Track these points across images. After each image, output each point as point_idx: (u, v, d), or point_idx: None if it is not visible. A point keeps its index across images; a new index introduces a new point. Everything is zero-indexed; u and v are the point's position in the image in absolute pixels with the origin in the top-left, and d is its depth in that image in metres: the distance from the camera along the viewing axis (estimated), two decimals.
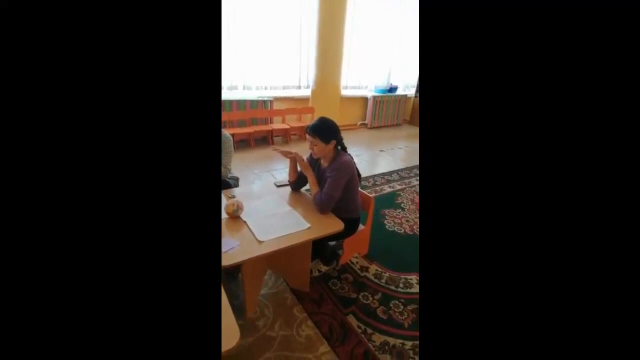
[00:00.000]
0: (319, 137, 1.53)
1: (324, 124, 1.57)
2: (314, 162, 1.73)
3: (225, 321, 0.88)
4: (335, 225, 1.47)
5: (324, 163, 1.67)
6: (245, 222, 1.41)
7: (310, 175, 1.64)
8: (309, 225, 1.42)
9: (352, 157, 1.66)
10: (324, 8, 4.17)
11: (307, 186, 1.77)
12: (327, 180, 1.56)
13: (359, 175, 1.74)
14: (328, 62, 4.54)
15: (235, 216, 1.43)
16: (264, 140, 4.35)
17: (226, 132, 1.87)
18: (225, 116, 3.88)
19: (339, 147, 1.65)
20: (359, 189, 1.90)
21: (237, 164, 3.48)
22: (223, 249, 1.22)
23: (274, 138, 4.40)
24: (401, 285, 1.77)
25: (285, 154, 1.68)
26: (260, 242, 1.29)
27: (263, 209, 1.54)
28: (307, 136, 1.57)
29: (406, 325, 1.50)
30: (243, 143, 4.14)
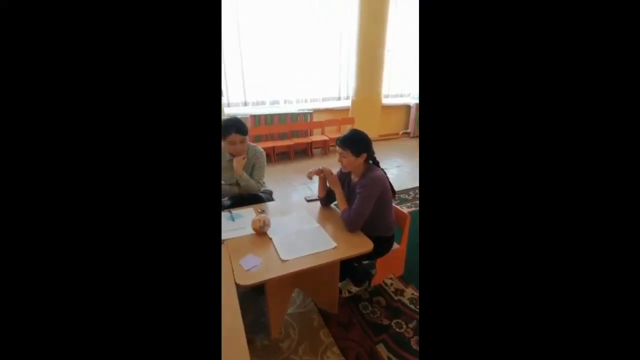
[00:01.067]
0: (350, 149, 1.47)
1: (355, 135, 1.52)
2: (344, 177, 1.66)
3: (236, 345, 0.85)
4: (363, 245, 1.38)
5: (354, 178, 1.60)
6: (271, 239, 1.39)
7: (338, 191, 1.58)
8: (335, 244, 1.35)
9: (384, 172, 1.57)
10: (365, 17, 4.14)
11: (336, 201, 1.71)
12: (356, 196, 1.48)
13: (393, 191, 1.63)
14: (368, 71, 4.47)
15: (261, 232, 1.42)
16: (304, 152, 4.40)
17: (259, 147, 1.90)
18: (266, 130, 4.02)
19: (371, 161, 1.57)
20: (393, 204, 1.78)
21: (276, 177, 3.55)
22: (245, 267, 1.21)
23: (313, 150, 4.42)
24: None
25: (316, 173, 1.62)
26: (283, 261, 1.25)
27: (290, 225, 1.51)
28: (337, 148, 1.52)
29: None
30: (283, 155, 4.23)
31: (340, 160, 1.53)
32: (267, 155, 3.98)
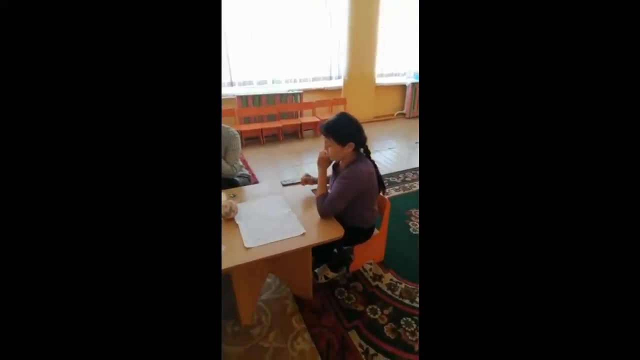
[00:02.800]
0: (334, 137, 1.33)
1: (340, 121, 1.36)
2: (333, 164, 1.55)
3: None
4: (334, 231, 1.32)
5: (342, 165, 1.48)
6: (237, 225, 1.33)
7: (320, 173, 1.46)
8: (303, 231, 1.30)
9: (374, 166, 1.44)
10: None
11: (314, 186, 1.64)
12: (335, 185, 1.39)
13: (383, 185, 1.52)
14: (361, 49, 4.27)
15: (228, 219, 1.36)
16: (294, 134, 4.29)
17: (233, 129, 1.81)
18: (254, 111, 3.90)
19: (362, 151, 1.43)
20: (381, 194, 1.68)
21: (263, 160, 3.47)
22: None
23: (304, 132, 4.31)
24: (418, 299, 1.56)
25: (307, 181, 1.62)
26: (247, 248, 1.20)
27: (260, 211, 1.45)
28: (323, 135, 1.38)
29: (416, 348, 1.30)
30: (272, 138, 4.13)
31: (326, 149, 1.39)
32: (256, 138, 3.94)
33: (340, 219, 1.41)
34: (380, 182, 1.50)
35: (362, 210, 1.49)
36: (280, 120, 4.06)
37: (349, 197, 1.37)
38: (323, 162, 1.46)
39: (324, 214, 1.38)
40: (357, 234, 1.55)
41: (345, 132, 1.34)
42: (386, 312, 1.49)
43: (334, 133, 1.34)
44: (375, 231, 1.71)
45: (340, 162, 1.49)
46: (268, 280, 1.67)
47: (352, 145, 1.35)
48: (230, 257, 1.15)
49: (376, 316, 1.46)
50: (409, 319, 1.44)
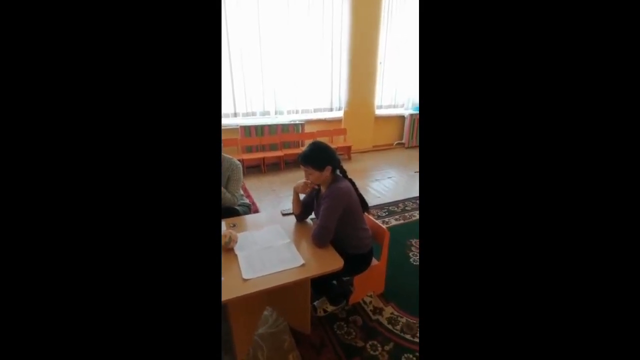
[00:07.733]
0: (312, 166, 1.42)
1: (314, 150, 1.45)
2: (314, 192, 1.61)
3: None
4: (333, 262, 1.32)
5: (323, 189, 1.54)
6: (236, 255, 1.33)
7: (294, 199, 1.62)
8: (302, 262, 1.29)
9: (351, 183, 1.52)
10: (356, 27, 4.16)
11: (312, 215, 1.66)
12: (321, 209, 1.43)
13: (365, 204, 1.57)
14: (361, 82, 4.47)
15: (227, 248, 1.36)
16: (295, 163, 4.36)
17: (235, 159, 1.86)
18: (256, 141, 4.00)
19: (338, 171, 1.52)
20: (372, 218, 1.73)
21: (264, 188, 3.51)
22: None
23: None
24: (419, 335, 1.51)
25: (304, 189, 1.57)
26: (245, 280, 1.19)
27: (260, 240, 1.45)
28: (301, 166, 1.47)
29: None
30: (274, 167, 4.20)
31: (307, 178, 1.48)
32: (257, 167, 4.00)
33: (338, 246, 1.42)
34: (362, 200, 1.55)
35: (354, 230, 1.51)
36: (282, 149, 4.15)
37: (336, 214, 1.41)
38: (300, 190, 1.56)
39: (319, 239, 1.40)
40: (356, 261, 1.54)
41: (321, 157, 1.43)
42: (387, 348, 1.43)
43: (311, 161, 1.42)
44: (375, 261, 1.70)
45: (322, 187, 1.54)
46: (265, 313, 1.62)
47: (329, 168, 1.44)
48: (228, 289, 1.15)
49: (376, 353, 1.41)
50: (410, 355, 1.39)
